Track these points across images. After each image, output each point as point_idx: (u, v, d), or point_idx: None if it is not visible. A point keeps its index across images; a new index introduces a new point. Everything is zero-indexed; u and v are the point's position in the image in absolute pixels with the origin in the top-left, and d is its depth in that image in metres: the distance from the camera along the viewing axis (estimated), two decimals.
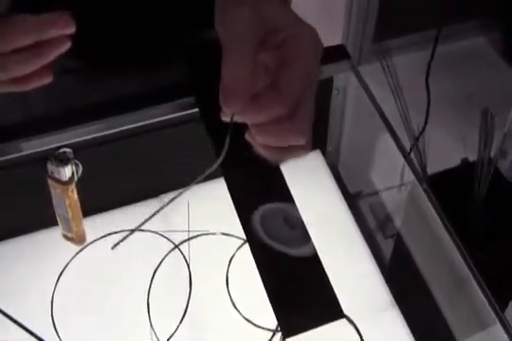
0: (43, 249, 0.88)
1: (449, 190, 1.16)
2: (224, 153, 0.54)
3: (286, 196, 0.65)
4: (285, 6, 0.55)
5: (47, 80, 0.56)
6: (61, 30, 0.52)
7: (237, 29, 0.50)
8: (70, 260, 0.87)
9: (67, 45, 0.54)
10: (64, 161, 0.77)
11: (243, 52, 0.49)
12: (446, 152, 1.42)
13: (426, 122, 1.22)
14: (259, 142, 0.52)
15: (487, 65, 2.22)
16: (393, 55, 1.43)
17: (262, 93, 0.50)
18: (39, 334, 0.65)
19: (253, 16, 0.51)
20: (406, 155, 0.83)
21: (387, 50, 1.39)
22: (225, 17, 0.52)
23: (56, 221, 0.86)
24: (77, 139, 0.79)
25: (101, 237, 0.89)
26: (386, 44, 1.99)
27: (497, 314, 0.71)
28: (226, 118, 0.51)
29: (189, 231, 0.88)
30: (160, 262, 0.87)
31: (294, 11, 0.53)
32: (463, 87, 2.10)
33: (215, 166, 0.58)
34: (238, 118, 0.50)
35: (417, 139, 1.26)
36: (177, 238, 0.89)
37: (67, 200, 0.80)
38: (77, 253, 0.88)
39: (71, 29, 0.53)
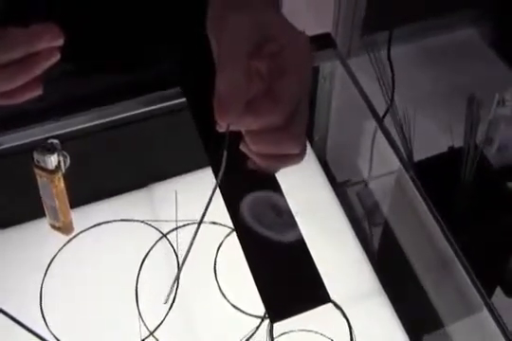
0: (31, 240, 0.88)
1: (436, 177, 1.17)
2: (222, 171, 0.52)
3: (274, 185, 0.65)
4: (278, 13, 0.54)
5: (38, 92, 0.55)
6: (49, 43, 0.52)
7: (231, 39, 0.49)
8: (59, 251, 0.87)
9: (57, 57, 0.53)
10: (50, 150, 0.77)
11: (237, 64, 0.48)
12: (432, 139, 1.43)
13: (391, 101, 1.22)
14: (254, 151, 0.51)
15: (476, 56, 2.23)
16: (382, 48, 1.45)
17: (257, 101, 0.49)
18: (27, 324, 0.66)
19: (247, 25, 0.49)
20: (392, 143, 0.83)
21: (375, 43, 1.39)
22: (218, 25, 0.51)
23: (44, 212, 0.86)
24: (64, 130, 0.79)
25: (90, 227, 0.89)
26: (375, 37, 2.00)
27: (484, 299, 0.72)
28: (221, 130, 0.50)
29: (177, 220, 0.88)
30: (148, 252, 0.87)
31: (287, 19, 0.53)
32: (452, 77, 2.11)
33: (217, 183, 0.56)
34: (233, 127, 0.49)
35: (402, 128, 1.27)
36: (165, 227, 0.89)
37: (54, 189, 0.80)
38: (65, 243, 0.88)
39: (59, 41, 0.52)
